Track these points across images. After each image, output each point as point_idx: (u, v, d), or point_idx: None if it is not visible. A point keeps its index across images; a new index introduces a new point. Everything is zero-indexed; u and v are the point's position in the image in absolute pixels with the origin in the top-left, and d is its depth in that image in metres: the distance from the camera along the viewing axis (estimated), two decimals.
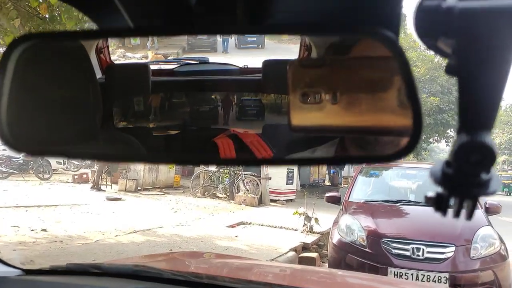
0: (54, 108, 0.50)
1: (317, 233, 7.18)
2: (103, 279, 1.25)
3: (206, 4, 0.40)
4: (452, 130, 22.45)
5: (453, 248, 4.21)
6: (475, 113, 0.28)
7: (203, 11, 0.39)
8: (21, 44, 0.37)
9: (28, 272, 1.24)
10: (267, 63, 0.73)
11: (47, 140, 0.50)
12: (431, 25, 0.27)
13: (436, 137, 23.92)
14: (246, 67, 0.86)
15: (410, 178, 5.85)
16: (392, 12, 0.38)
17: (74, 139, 0.60)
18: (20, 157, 14.40)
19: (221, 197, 12.02)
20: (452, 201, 0.30)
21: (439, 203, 0.30)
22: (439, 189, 0.30)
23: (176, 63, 0.85)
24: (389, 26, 0.38)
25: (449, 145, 27.56)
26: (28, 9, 4.98)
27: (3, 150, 15.59)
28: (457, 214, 0.30)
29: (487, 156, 0.28)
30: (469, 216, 0.30)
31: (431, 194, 0.30)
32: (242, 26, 0.42)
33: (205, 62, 0.97)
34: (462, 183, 0.29)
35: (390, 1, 0.39)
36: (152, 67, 0.81)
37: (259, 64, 0.76)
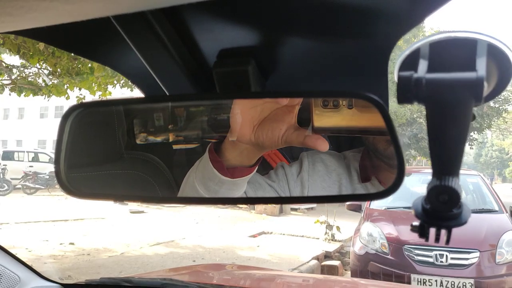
0: (92, 149, 0.59)
1: (339, 241, 7.14)
2: None
3: (222, 66, 0.48)
4: (475, 132, 21.81)
5: (477, 254, 4.16)
6: (442, 162, 0.35)
7: (220, 72, 0.48)
8: (73, 112, 0.47)
9: (65, 286, 1.33)
10: None
11: (92, 178, 0.59)
12: (405, 92, 0.33)
13: None
14: None
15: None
16: (380, 70, 0.46)
17: (103, 161, 0.66)
18: (46, 173, 14.88)
19: (242, 207, 12.08)
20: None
21: (421, 232, 0.37)
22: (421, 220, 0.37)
23: (197, 143, 0.86)
24: (376, 81, 0.46)
25: (472, 148, 26.74)
26: None
27: (29, 166, 16.17)
28: (437, 240, 0.37)
29: (453, 197, 0.35)
30: (447, 241, 0.37)
31: (415, 223, 0.37)
32: (257, 92, 0.49)
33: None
34: (436, 216, 0.36)
35: (376, 61, 0.46)
36: None
37: None
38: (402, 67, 0.36)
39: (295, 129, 0.55)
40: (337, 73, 0.53)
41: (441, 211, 0.35)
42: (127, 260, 5.66)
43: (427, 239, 0.38)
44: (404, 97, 0.34)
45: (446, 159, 0.35)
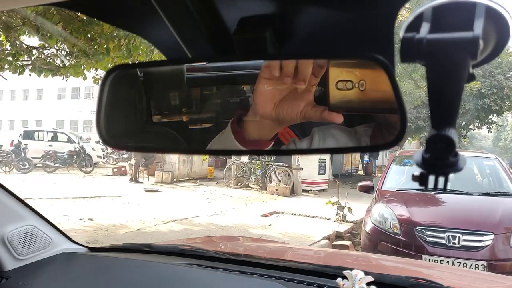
0: (127, 113, 0.65)
1: (350, 222, 7.21)
2: (154, 256, 1.42)
3: (242, 33, 0.53)
4: (494, 115, 21.31)
5: (491, 236, 4.10)
6: (440, 114, 0.39)
7: (241, 39, 0.53)
8: (112, 72, 0.53)
9: (92, 249, 1.43)
10: None
11: (126, 138, 0.65)
12: (408, 51, 0.38)
13: (477, 123, 22.79)
14: None
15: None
16: (387, 36, 0.51)
17: (130, 134, 0.72)
18: (65, 152, 15.25)
19: (254, 188, 12.22)
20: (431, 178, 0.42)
21: (421, 180, 0.41)
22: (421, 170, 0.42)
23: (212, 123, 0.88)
24: (383, 46, 0.51)
25: (491, 132, 26.18)
26: (69, 13, 5.29)
27: (49, 146, 16.57)
28: (435, 187, 0.42)
29: (449, 144, 0.39)
30: (444, 188, 0.42)
31: (416, 173, 0.42)
32: (273, 53, 0.54)
33: None
34: (434, 164, 0.40)
35: (383, 27, 0.51)
36: None
37: None
38: (407, 30, 0.40)
39: (313, 105, 0.61)
40: (347, 41, 0.58)
41: (439, 158, 0.40)
42: (143, 235, 5.85)
43: (426, 187, 0.42)
44: (406, 56, 0.38)
45: (443, 111, 0.39)
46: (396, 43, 0.50)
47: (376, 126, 0.74)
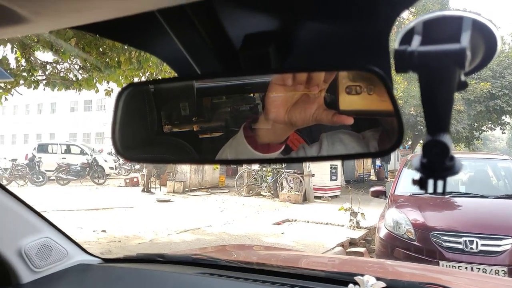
0: (138, 126, 0.67)
1: (364, 228, 7.13)
2: (168, 266, 1.44)
3: (248, 50, 0.56)
4: (507, 116, 21.01)
5: (510, 240, 3.97)
6: (434, 121, 0.41)
7: (246, 55, 0.56)
8: (126, 90, 0.56)
9: (106, 260, 1.45)
10: None
11: (139, 150, 0.67)
12: (401, 63, 0.40)
13: (490, 125, 22.49)
14: None
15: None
16: (381, 46, 0.53)
17: (143, 146, 0.74)
18: (78, 164, 15.47)
19: (266, 195, 12.19)
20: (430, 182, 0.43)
21: (421, 184, 0.43)
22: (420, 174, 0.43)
23: (221, 132, 0.90)
24: (382, 58, 0.53)
25: (504, 133, 25.77)
26: None
27: (62, 158, 16.84)
28: (434, 191, 0.43)
29: (443, 149, 0.41)
30: (443, 192, 0.43)
31: (416, 177, 0.43)
32: (277, 68, 0.57)
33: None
34: (432, 169, 0.42)
35: (381, 40, 0.53)
36: None
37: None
38: (400, 43, 0.43)
39: (324, 108, 0.63)
40: (347, 54, 0.61)
41: (435, 162, 0.41)
42: (156, 246, 5.88)
43: (426, 190, 0.44)
44: (400, 68, 0.41)
45: (436, 118, 0.41)
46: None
47: (383, 130, 0.76)
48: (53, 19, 0.44)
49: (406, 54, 0.40)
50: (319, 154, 0.63)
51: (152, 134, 0.73)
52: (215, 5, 0.53)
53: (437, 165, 0.41)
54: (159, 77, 6.48)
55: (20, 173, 14.68)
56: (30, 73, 6.06)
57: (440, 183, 0.42)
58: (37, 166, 14.85)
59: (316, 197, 11.69)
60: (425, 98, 0.41)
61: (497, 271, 3.93)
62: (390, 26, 0.52)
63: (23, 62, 6.03)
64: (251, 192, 12.44)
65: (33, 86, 6.24)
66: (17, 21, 0.42)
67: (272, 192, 11.98)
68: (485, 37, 0.42)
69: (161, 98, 0.76)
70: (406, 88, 15.00)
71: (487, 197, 4.91)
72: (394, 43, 0.43)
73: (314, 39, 0.60)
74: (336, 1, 0.52)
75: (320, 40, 0.61)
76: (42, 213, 1.39)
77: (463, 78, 0.41)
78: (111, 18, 0.43)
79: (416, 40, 0.41)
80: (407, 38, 0.42)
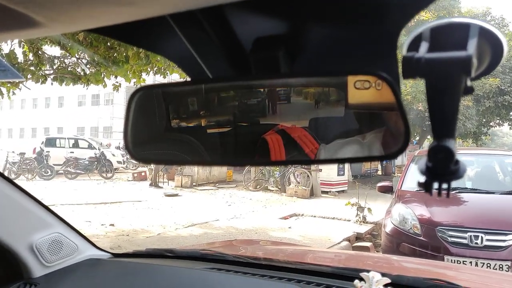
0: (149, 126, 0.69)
1: (371, 223, 7.14)
2: (176, 261, 1.46)
3: (257, 52, 0.57)
4: None
5: None
6: (439, 126, 0.42)
7: (257, 59, 0.57)
8: (138, 92, 0.58)
9: (116, 255, 1.48)
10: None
11: (151, 148, 0.69)
12: (409, 69, 0.41)
13: (498, 120, 22.24)
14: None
15: (467, 165, 5.63)
16: (391, 52, 0.53)
17: (151, 144, 0.75)
18: (86, 158, 15.61)
19: (273, 190, 12.22)
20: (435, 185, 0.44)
21: (426, 187, 0.44)
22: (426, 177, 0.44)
23: (229, 126, 0.90)
24: (390, 63, 0.53)
25: None
26: None
27: (70, 152, 16.99)
28: (439, 194, 0.44)
29: (448, 154, 0.42)
30: (447, 195, 0.44)
31: (421, 180, 0.44)
32: (286, 72, 0.58)
33: (256, 123, 0.98)
34: (437, 173, 0.43)
35: (390, 45, 0.53)
36: None
37: None
38: (408, 49, 0.44)
39: None
40: (354, 58, 0.61)
41: (439, 167, 0.42)
42: (163, 240, 5.94)
43: (431, 193, 0.45)
44: (407, 74, 0.41)
45: (442, 123, 0.42)
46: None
47: (386, 129, 0.76)
48: (67, 24, 0.45)
49: (413, 61, 0.40)
50: (327, 157, 0.63)
51: (161, 130, 0.75)
52: (225, 10, 0.54)
53: (441, 169, 0.42)
54: (167, 71, 6.49)
55: (28, 167, 14.84)
56: (38, 68, 6.11)
57: (444, 186, 0.44)
58: (45, 160, 14.99)
59: (323, 192, 11.69)
60: (432, 104, 0.42)
61: (501, 266, 3.96)
62: (399, 31, 0.52)
63: (30, 56, 6.08)
64: (258, 186, 12.47)
65: (41, 81, 6.30)
66: (31, 26, 0.43)
67: (279, 187, 12.00)
68: (491, 44, 0.43)
69: (170, 94, 0.78)
70: (415, 83, 14.91)
71: (493, 193, 4.90)
72: (402, 50, 0.44)
73: (324, 43, 0.61)
74: (346, 7, 0.52)
75: (330, 45, 0.61)
76: (51, 207, 1.42)
77: (469, 83, 0.41)
78: (123, 22, 0.44)
79: (424, 47, 0.42)
80: (414, 44, 0.43)
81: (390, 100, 0.53)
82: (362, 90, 0.57)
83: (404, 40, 0.45)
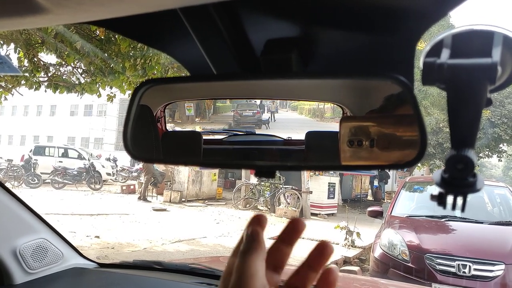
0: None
1: (359, 247, 7.09)
2: (165, 274, 1.42)
3: (268, 53, 0.56)
4: (504, 144, 21.12)
5: (502, 266, 4.04)
6: (460, 135, 0.40)
7: (267, 59, 0.56)
8: (142, 87, 0.55)
9: (102, 265, 1.44)
10: (310, 134, 0.78)
11: (148, 149, 0.68)
12: (430, 75, 0.40)
13: (487, 152, 22.59)
14: (289, 138, 0.91)
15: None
16: (406, 59, 0.53)
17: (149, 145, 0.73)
18: (74, 168, 15.37)
19: (262, 210, 12.11)
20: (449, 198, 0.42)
21: (440, 199, 0.41)
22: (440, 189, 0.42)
23: (225, 133, 0.88)
24: (404, 70, 0.52)
25: (501, 161, 25.81)
26: (88, 32, 5.47)
27: (59, 162, 16.74)
28: (453, 207, 0.42)
29: (468, 165, 0.40)
30: (463, 209, 0.41)
31: (435, 193, 0.42)
32: (298, 72, 0.56)
33: (251, 133, 0.98)
34: (454, 184, 0.41)
35: (405, 52, 0.53)
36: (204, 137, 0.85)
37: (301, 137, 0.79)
38: (428, 55, 0.42)
39: None
40: (368, 65, 0.60)
41: (458, 178, 0.40)
42: (149, 255, 5.82)
43: (445, 206, 0.42)
44: (427, 80, 0.40)
45: (462, 132, 0.40)
46: (416, 67, 0.52)
47: (402, 138, 0.73)
48: (74, 12, 0.42)
49: (435, 66, 0.39)
50: (338, 163, 0.61)
51: (157, 135, 0.73)
52: (238, 7, 0.52)
53: (459, 181, 0.40)
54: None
55: (15, 174, 14.57)
56: (33, 74, 6.07)
57: (459, 200, 0.41)
58: (32, 168, 14.75)
59: (312, 214, 11.63)
60: (452, 112, 0.40)
61: None
62: (417, 40, 0.51)
63: (25, 62, 6.05)
64: (248, 205, 12.36)
65: (34, 87, 6.26)
66: (37, 11, 0.41)
67: (269, 207, 11.91)
68: None
69: (168, 155, 0.76)
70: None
71: (482, 223, 4.92)
72: (420, 56, 0.43)
73: (336, 47, 0.60)
74: (361, 13, 0.51)
75: (342, 49, 0.60)
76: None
77: (488, 95, 0.40)
78: (134, 14, 0.42)
79: (445, 53, 0.40)
80: (435, 51, 0.42)
81: (406, 106, 0.50)
82: (355, 148, 0.55)
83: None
